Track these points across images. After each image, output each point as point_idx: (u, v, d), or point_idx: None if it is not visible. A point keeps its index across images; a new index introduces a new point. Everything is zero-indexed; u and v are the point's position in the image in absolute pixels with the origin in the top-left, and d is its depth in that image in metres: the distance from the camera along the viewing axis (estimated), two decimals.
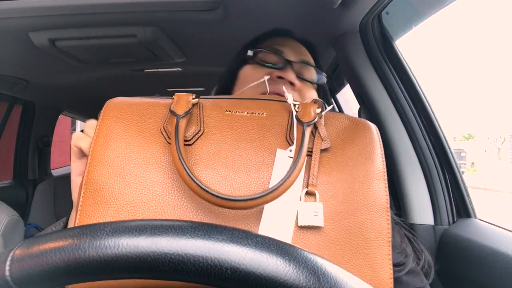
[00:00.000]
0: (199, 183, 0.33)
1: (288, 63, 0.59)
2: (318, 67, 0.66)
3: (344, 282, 0.19)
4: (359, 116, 1.00)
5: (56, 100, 1.89)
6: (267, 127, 0.41)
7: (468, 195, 0.83)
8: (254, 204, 0.33)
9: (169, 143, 0.38)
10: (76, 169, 0.44)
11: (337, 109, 1.60)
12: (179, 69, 1.42)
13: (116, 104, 0.42)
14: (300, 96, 0.58)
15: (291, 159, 0.37)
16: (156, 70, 1.47)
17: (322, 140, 0.39)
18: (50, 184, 1.95)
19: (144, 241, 0.19)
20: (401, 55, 0.89)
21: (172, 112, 0.40)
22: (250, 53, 0.62)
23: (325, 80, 0.63)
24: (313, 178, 0.37)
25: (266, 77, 0.56)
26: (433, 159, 0.86)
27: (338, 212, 0.36)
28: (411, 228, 0.83)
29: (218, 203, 0.33)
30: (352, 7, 0.79)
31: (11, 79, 1.43)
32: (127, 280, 0.33)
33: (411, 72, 0.88)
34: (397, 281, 0.46)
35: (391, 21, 0.89)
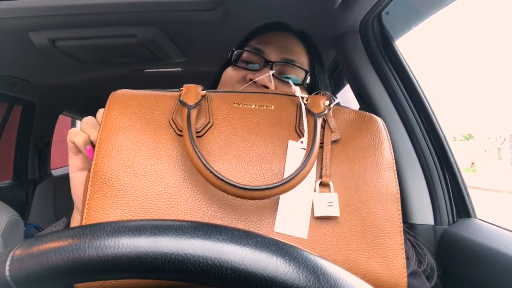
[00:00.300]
0: (216, 173, 0.33)
1: (267, 63, 0.57)
2: (313, 61, 0.62)
3: (344, 282, 0.19)
4: None
5: (56, 100, 1.89)
6: (277, 119, 0.40)
7: (468, 195, 0.83)
8: (270, 193, 0.33)
9: (179, 135, 0.38)
10: (73, 165, 0.43)
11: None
12: (179, 69, 1.42)
13: (121, 96, 0.41)
14: None
15: (303, 151, 0.37)
16: (156, 70, 1.47)
17: (332, 131, 0.39)
18: (50, 184, 1.95)
19: (144, 241, 0.19)
20: (401, 55, 0.89)
21: (182, 103, 0.39)
22: (230, 54, 0.61)
23: (308, 79, 0.60)
24: (326, 169, 0.37)
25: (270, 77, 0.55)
26: (433, 159, 0.86)
27: (352, 203, 0.36)
28: (411, 228, 0.83)
29: (235, 193, 0.32)
30: (352, 7, 0.79)
31: (11, 79, 1.43)
32: (128, 280, 0.33)
33: (411, 72, 0.88)
34: None
35: (391, 21, 0.89)
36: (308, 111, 0.39)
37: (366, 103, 0.95)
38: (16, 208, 1.22)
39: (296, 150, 0.38)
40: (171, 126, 0.39)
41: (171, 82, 1.74)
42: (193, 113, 0.38)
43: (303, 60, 0.62)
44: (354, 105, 1.12)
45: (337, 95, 1.59)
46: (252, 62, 0.60)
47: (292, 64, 0.59)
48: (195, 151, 0.34)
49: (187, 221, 0.21)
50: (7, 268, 0.19)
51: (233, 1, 0.80)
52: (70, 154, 0.43)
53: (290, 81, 0.47)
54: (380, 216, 0.36)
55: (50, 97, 1.80)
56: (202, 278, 0.19)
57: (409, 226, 0.62)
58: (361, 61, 0.93)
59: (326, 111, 0.39)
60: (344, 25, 0.91)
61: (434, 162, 0.86)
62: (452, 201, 0.84)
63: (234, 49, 0.62)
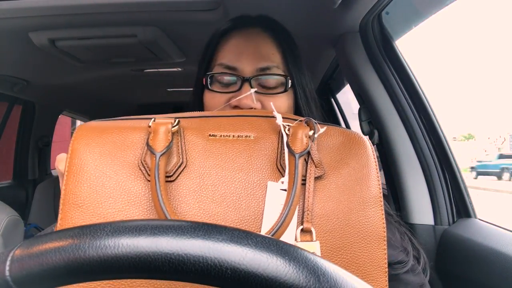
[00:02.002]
0: None
1: (245, 80, 0.55)
2: (285, 54, 0.59)
3: (345, 282, 0.19)
4: (359, 116, 1.00)
5: (56, 100, 1.89)
6: (256, 152, 0.38)
7: (468, 195, 0.83)
8: None
9: (149, 180, 0.35)
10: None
11: (341, 120, 1.58)
12: (179, 69, 1.42)
13: (87, 132, 0.38)
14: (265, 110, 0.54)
15: (283, 192, 0.35)
16: (156, 70, 1.48)
17: (316, 167, 0.36)
18: (50, 184, 1.95)
19: (144, 241, 0.19)
20: (401, 55, 0.89)
21: (150, 148, 0.35)
22: (204, 81, 0.58)
23: (289, 83, 0.57)
24: (308, 214, 0.34)
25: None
26: (433, 159, 0.86)
27: (335, 248, 0.35)
28: (411, 228, 0.83)
29: None
30: (352, 7, 0.79)
31: (11, 79, 1.44)
32: (127, 280, 0.33)
33: (411, 72, 0.89)
34: (397, 279, 0.46)
35: (391, 21, 0.90)
36: (289, 149, 0.36)
37: (366, 103, 0.95)
38: (16, 208, 1.22)
39: (276, 192, 0.35)
40: (140, 169, 0.36)
41: (171, 82, 1.74)
42: (162, 159, 0.35)
43: (277, 59, 0.59)
44: (354, 105, 1.12)
45: (337, 95, 1.59)
46: (228, 82, 0.57)
47: (270, 74, 0.57)
48: (162, 208, 0.32)
49: (187, 221, 0.21)
50: (7, 268, 0.19)
51: (233, 1, 0.80)
52: (60, 180, 0.41)
53: (272, 105, 0.44)
54: (364, 258, 0.35)
55: (50, 97, 1.80)
56: (202, 278, 0.19)
57: (404, 220, 0.61)
58: (361, 61, 0.93)
59: (308, 147, 0.36)
60: (344, 25, 0.91)
61: (434, 162, 0.86)
62: (452, 201, 0.84)
63: (207, 73, 0.58)
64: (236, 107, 0.54)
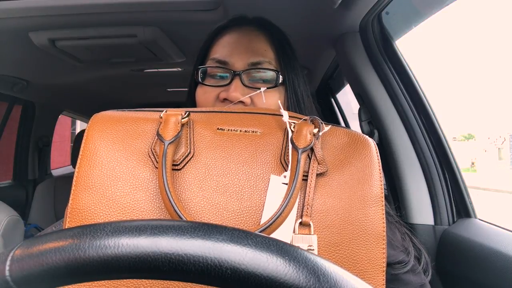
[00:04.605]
0: (182, 217, 0.32)
1: (236, 74, 0.55)
2: (279, 53, 0.59)
3: (345, 282, 0.19)
4: (359, 116, 1.00)
5: (56, 100, 1.89)
6: (261, 147, 0.39)
7: (468, 195, 0.83)
8: None
9: (157, 168, 0.36)
10: None
11: (341, 120, 1.58)
12: (179, 69, 1.42)
13: (102, 121, 0.40)
14: (255, 106, 0.55)
15: (285, 186, 0.36)
16: (156, 70, 1.48)
17: (319, 163, 0.37)
18: (50, 184, 1.95)
19: (144, 241, 0.19)
20: (401, 55, 0.89)
21: (159, 137, 0.37)
22: (196, 76, 0.58)
23: (281, 78, 0.56)
24: (307, 208, 0.35)
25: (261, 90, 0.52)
26: (433, 159, 0.86)
27: (333, 243, 0.35)
28: (411, 228, 0.83)
29: None
30: (352, 7, 0.79)
31: (11, 79, 1.44)
32: (127, 280, 0.33)
33: (411, 72, 0.89)
34: (397, 279, 0.46)
35: (391, 21, 0.90)
36: (293, 144, 0.37)
37: (366, 103, 0.95)
38: (16, 208, 1.22)
39: (278, 186, 0.36)
40: (150, 157, 0.37)
41: (171, 82, 1.74)
42: (170, 149, 0.36)
43: (270, 55, 0.58)
44: (354, 105, 1.12)
45: (337, 95, 1.59)
46: (219, 76, 0.57)
47: (261, 68, 0.56)
48: (167, 194, 0.33)
49: (187, 221, 0.21)
50: (7, 268, 0.19)
51: (233, 1, 0.80)
52: None
53: (279, 103, 0.45)
54: (361, 256, 0.35)
55: (50, 97, 1.80)
56: (202, 278, 0.19)
57: (405, 220, 0.61)
58: (361, 61, 0.93)
59: (312, 144, 0.37)
60: (344, 25, 0.91)
61: (434, 162, 0.86)
62: (452, 201, 0.85)
63: (199, 67, 0.59)
64: (225, 100, 0.54)
